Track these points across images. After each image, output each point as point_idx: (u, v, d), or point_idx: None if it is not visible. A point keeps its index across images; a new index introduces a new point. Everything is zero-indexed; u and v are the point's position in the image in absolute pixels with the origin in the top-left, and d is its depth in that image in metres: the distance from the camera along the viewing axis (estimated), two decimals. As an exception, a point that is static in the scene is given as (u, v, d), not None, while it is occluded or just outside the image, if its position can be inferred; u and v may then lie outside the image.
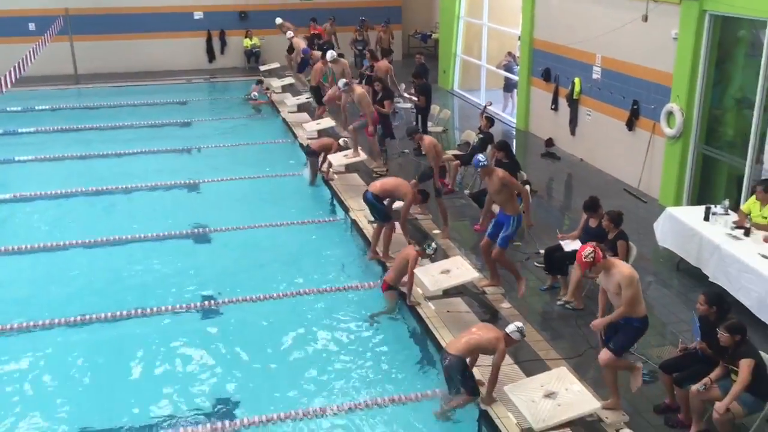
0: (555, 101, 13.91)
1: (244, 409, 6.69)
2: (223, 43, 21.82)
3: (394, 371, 7.26)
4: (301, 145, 14.05)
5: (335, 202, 11.50)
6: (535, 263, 9.02)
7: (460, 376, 6.36)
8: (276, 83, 18.23)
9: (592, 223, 8.03)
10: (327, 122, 14.41)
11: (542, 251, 8.69)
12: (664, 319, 7.86)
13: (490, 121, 11.75)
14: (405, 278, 8.19)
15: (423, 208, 10.53)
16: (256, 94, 17.60)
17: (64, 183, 12.28)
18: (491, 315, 7.87)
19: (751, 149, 9.38)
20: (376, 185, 9.28)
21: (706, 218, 8.48)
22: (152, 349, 7.65)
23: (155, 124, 16.14)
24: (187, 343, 7.76)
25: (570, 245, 8.05)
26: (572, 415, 5.99)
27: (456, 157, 11.65)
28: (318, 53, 16.29)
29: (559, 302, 8.04)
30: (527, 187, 9.81)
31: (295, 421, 6.49)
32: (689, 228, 8.44)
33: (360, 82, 16.74)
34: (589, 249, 6.00)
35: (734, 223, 8.27)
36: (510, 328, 6.37)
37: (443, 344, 7.22)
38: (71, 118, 16.58)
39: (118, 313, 8.19)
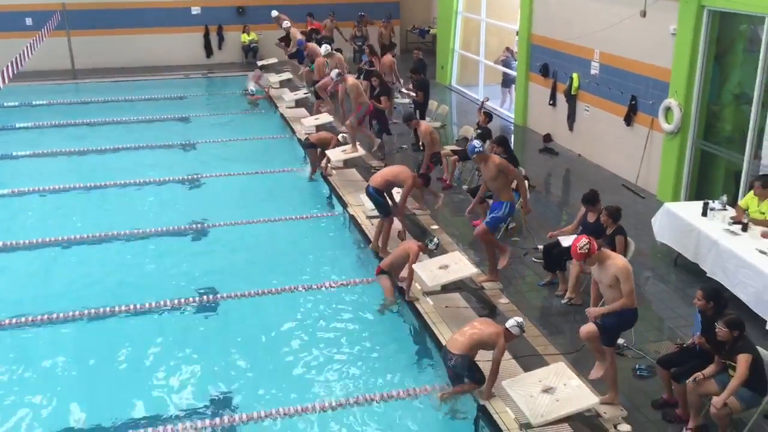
0: (553, 97, 13.91)
1: (242, 405, 6.69)
2: (221, 39, 21.78)
3: (393, 367, 7.26)
4: (299, 140, 14.05)
5: (333, 197, 11.49)
6: (533, 259, 9.04)
7: (467, 372, 6.39)
8: (274, 78, 18.21)
9: (590, 217, 8.04)
10: (325, 117, 14.40)
11: (540, 247, 8.71)
12: (662, 315, 7.88)
13: (489, 116, 11.77)
14: (403, 273, 8.19)
15: (421, 203, 10.55)
16: (252, 89, 17.56)
17: (61, 178, 12.28)
18: (489, 310, 7.87)
19: (749, 145, 9.39)
20: (376, 178, 9.27)
21: (704, 214, 8.49)
22: (149, 344, 7.64)
23: (153, 119, 16.12)
24: (185, 338, 7.75)
25: (568, 241, 8.05)
26: (570, 410, 6.00)
27: (454, 152, 11.65)
28: (313, 45, 16.24)
29: (563, 301, 8.03)
30: (525, 182, 9.81)
31: (293, 417, 6.49)
32: (687, 223, 8.46)
33: (358, 77, 16.78)
34: (584, 240, 6.00)
35: (732, 218, 8.28)
36: (510, 323, 6.38)
37: (442, 339, 7.24)
38: (68, 113, 16.55)
39: (116, 308, 8.19)
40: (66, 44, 19.35)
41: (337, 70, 12.76)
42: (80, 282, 8.93)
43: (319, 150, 12.31)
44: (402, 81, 15.96)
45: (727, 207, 8.60)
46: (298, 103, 16.50)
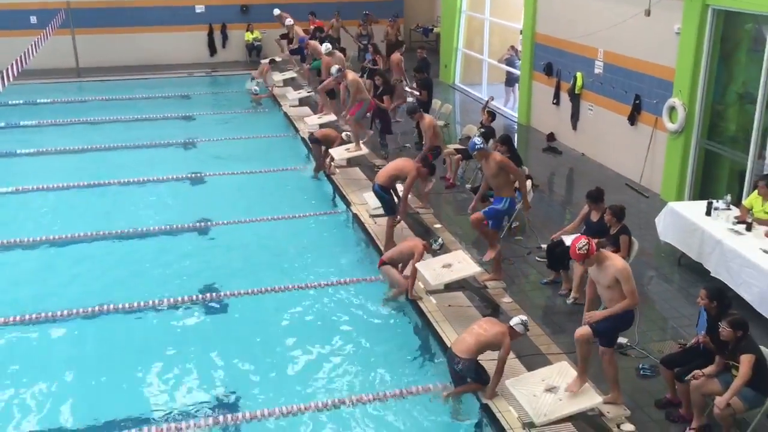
0: (557, 96, 13.89)
1: (245, 403, 6.70)
2: (225, 37, 21.79)
3: (396, 365, 7.26)
4: (302, 139, 14.06)
5: (336, 196, 11.49)
6: (537, 258, 9.03)
7: (474, 375, 6.40)
8: (277, 77, 18.21)
9: (594, 216, 8.03)
10: (329, 117, 14.40)
11: (544, 246, 8.70)
12: (666, 314, 7.87)
13: (492, 115, 11.75)
14: (406, 271, 8.20)
15: (424, 202, 10.55)
16: (256, 88, 17.57)
17: (64, 176, 12.29)
18: (492, 309, 7.87)
19: (753, 144, 9.37)
20: (381, 175, 9.27)
21: (708, 213, 8.47)
22: (150, 342, 7.65)
23: (157, 117, 16.14)
24: (189, 336, 7.77)
25: (571, 239, 8.03)
26: (573, 409, 6.00)
27: (458, 151, 11.65)
28: (314, 43, 16.22)
29: (568, 300, 8.02)
30: (528, 181, 9.80)
31: (296, 416, 6.49)
32: (691, 223, 8.44)
33: (362, 76, 16.77)
34: (583, 241, 5.96)
35: (736, 218, 8.26)
36: (514, 321, 6.38)
37: (445, 338, 7.25)
38: (73, 111, 16.58)
39: (118, 306, 8.20)
40: (70, 42, 19.37)
41: (337, 66, 12.76)
42: (81, 280, 8.94)
43: (323, 148, 12.30)
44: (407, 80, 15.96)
45: (731, 206, 8.59)
46: (302, 102, 16.51)
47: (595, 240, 7.35)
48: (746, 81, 9.88)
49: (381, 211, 10.03)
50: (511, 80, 16.73)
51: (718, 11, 9.83)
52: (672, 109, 10.51)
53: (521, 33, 15.32)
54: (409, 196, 10.17)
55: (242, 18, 21.60)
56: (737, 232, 8.00)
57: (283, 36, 18.84)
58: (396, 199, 9.32)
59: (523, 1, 14.96)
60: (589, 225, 7.98)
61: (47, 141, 14.30)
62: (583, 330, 6.10)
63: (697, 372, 5.84)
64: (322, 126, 13.81)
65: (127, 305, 8.23)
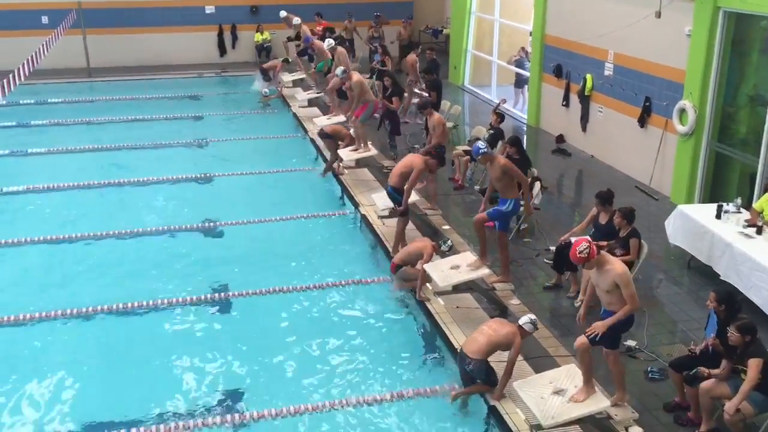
0: (566, 97, 13.86)
1: (252, 402, 6.71)
2: (235, 38, 21.87)
3: (403, 366, 7.26)
4: (311, 140, 14.08)
5: (345, 197, 11.50)
6: (545, 260, 9.00)
7: (484, 376, 6.39)
8: (287, 78, 18.25)
9: (602, 218, 8.00)
10: (338, 118, 14.41)
11: (552, 248, 8.67)
12: (675, 317, 7.83)
13: (501, 117, 11.71)
14: (413, 270, 8.21)
15: (433, 203, 10.53)
16: (266, 90, 17.61)
17: (75, 175, 12.36)
18: (500, 311, 7.85)
19: (764, 147, 9.31)
20: (393, 176, 9.26)
21: (718, 216, 8.43)
22: (161, 340, 7.69)
23: (166, 117, 16.20)
24: (197, 336, 7.80)
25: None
26: (581, 412, 5.98)
27: (466, 152, 11.63)
28: (319, 43, 16.22)
29: (576, 303, 7.98)
30: (537, 183, 9.79)
31: (303, 415, 6.50)
32: (701, 226, 8.40)
33: (371, 77, 16.79)
34: (584, 244, 5.90)
35: (746, 221, 8.22)
36: (523, 320, 6.38)
37: (453, 340, 7.25)
38: (83, 111, 16.67)
39: (129, 305, 8.24)
40: (81, 42, 19.48)
41: (341, 68, 12.77)
42: (88, 279, 8.98)
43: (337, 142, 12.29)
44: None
45: (742, 209, 8.54)
46: (311, 103, 16.53)
47: (604, 243, 7.36)
48: (757, 83, 9.83)
49: (388, 212, 10.06)
50: (520, 82, 16.70)
51: (729, 13, 9.78)
52: (682, 111, 10.47)
53: (531, 34, 15.29)
54: (418, 197, 10.22)
55: (252, 19, 21.67)
56: (747, 236, 7.96)
57: (291, 38, 18.86)
58: (412, 198, 9.31)
59: (533, 3, 14.93)
60: (598, 227, 7.95)
61: (58, 140, 14.38)
62: (582, 339, 6.06)
63: (703, 369, 5.82)
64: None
65: (135, 304, 8.26)
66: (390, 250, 9.24)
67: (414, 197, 9.84)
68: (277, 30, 20.80)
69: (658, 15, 10.62)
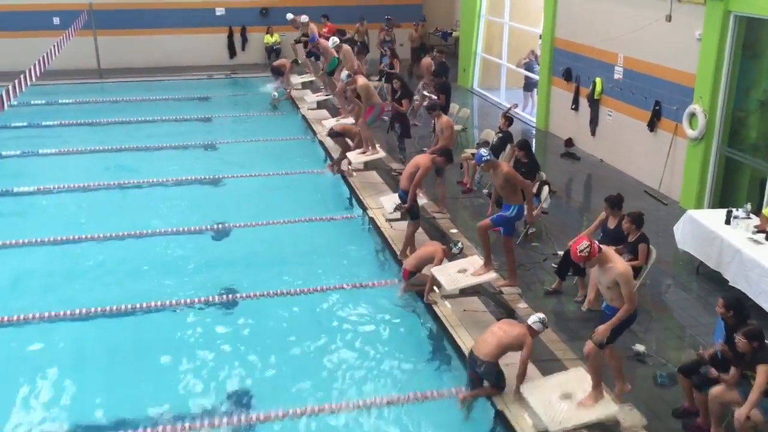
0: (575, 101, 13.83)
1: (260, 404, 6.72)
2: (244, 40, 21.94)
3: (410, 369, 7.26)
4: (320, 142, 14.10)
5: (353, 199, 11.51)
6: (553, 264, 8.97)
7: (494, 378, 6.39)
8: (296, 80, 18.29)
9: (611, 223, 7.98)
10: (346, 120, 14.42)
11: (560, 252, 8.65)
12: (684, 323, 7.79)
13: (509, 120, 11.69)
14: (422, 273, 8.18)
15: (441, 207, 10.53)
16: (275, 94, 17.65)
17: (84, 176, 12.42)
18: (508, 315, 7.83)
19: (774, 152, 9.28)
20: (403, 180, 9.24)
21: (728, 222, 8.39)
22: (169, 342, 7.70)
23: (176, 119, 16.26)
24: (205, 337, 7.81)
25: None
26: (590, 417, 5.96)
27: (474, 156, 11.61)
28: (325, 42, 16.20)
29: (584, 307, 7.96)
30: (546, 187, 9.76)
31: (310, 417, 6.51)
32: (710, 231, 8.36)
33: (380, 79, 16.80)
34: (584, 243, 5.92)
35: (756, 227, 8.18)
36: (532, 319, 6.38)
37: (460, 343, 7.24)
38: (94, 112, 16.76)
39: (137, 306, 8.27)
40: (92, 43, 19.59)
41: (346, 72, 12.78)
42: (96, 279, 9.01)
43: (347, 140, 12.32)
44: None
45: (751, 215, 8.49)
46: (320, 105, 16.55)
47: (612, 248, 7.31)
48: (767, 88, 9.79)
49: (397, 215, 10.04)
50: (529, 85, 16.67)
51: (740, 17, 9.74)
52: (692, 115, 10.43)
53: (540, 38, 15.27)
54: (426, 200, 10.21)
55: (262, 21, 21.74)
56: (757, 242, 7.91)
57: (298, 40, 18.89)
58: (420, 202, 9.31)
59: (542, 6, 14.92)
60: (606, 232, 7.93)
61: (68, 141, 14.45)
62: (590, 345, 6.05)
63: (713, 370, 5.79)
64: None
65: (141, 305, 8.28)
66: (398, 253, 9.24)
67: (422, 200, 9.84)
68: (287, 32, 20.84)
69: (669, 19, 10.59)
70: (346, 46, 15.21)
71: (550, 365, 6.87)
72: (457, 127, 13.80)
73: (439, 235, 9.70)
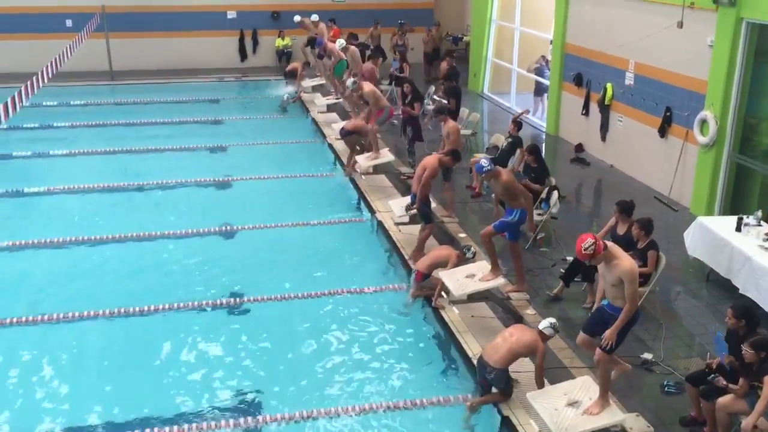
0: (586, 106, 13.79)
1: (267, 406, 6.73)
2: (255, 43, 22.03)
3: (417, 374, 7.25)
4: (330, 145, 14.12)
5: (362, 203, 11.51)
6: (562, 270, 8.93)
7: (503, 385, 6.37)
8: (306, 83, 18.33)
9: (620, 229, 7.94)
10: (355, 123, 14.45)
11: (569, 258, 8.62)
12: (693, 331, 7.74)
13: (519, 125, 11.66)
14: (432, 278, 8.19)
15: (450, 211, 10.51)
16: (286, 96, 17.69)
17: (95, 178, 12.50)
18: (515, 321, 7.80)
19: (786, 159, 9.21)
20: (414, 182, 9.25)
21: (738, 229, 8.34)
22: (177, 344, 7.73)
23: (187, 121, 16.34)
24: (213, 339, 7.83)
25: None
26: (596, 425, 5.93)
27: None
28: (332, 45, 16.21)
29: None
30: (555, 192, 9.73)
31: (317, 420, 6.52)
32: (720, 238, 8.31)
33: (390, 83, 16.82)
34: (589, 240, 5.84)
35: (767, 234, 8.11)
36: (543, 325, 6.35)
37: (467, 349, 7.22)
38: (105, 114, 16.86)
39: (145, 308, 8.29)
40: (104, 46, 19.73)
41: (352, 79, 12.80)
42: (105, 281, 9.06)
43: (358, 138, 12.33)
44: (432, 88, 15.97)
45: (762, 222, 8.43)
46: (330, 108, 16.57)
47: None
48: (780, 95, 9.72)
49: (406, 219, 10.05)
50: (540, 90, 16.64)
51: (752, 24, 9.69)
52: (703, 122, 10.37)
53: (551, 43, 15.24)
54: (434, 205, 10.19)
55: (273, 24, 21.82)
56: (767, 249, 7.85)
57: (308, 42, 18.94)
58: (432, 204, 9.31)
59: (553, 11, 14.89)
60: (615, 238, 7.88)
61: (79, 142, 14.54)
62: (599, 352, 6.01)
63: (720, 378, 5.75)
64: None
65: (150, 307, 8.31)
66: (406, 257, 9.23)
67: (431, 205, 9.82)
68: (298, 36, 20.93)
69: (680, 25, 10.54)
70: (353, 48, 15.23)
71: (557, 373, 6.84)
72: (467, 132, 13.82)
73: (447, 240, 9.69)
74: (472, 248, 8.37)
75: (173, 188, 12.27)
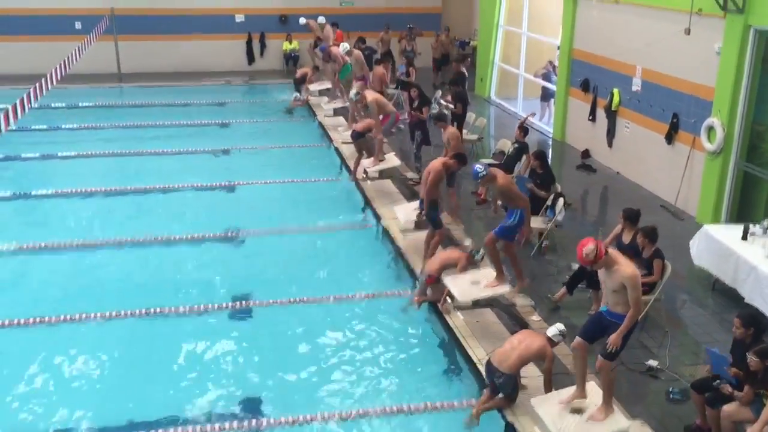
0: (593, 112, 13.78)
1: (270, 410, 6.75)
2: (263, 46, 22.10)
3: (421, 379, 7.25)
4: (336, 149, 14.14)
5: (368, 208, 11.52)
6: (567, 276, 8.92)
7: (510, 390, 6.37)
8: (313, 87, 18.37)
9: (625, 237, 7.93)
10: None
11: (575, 266, 8.60)
12: (698, 339, 7.72)
13: (525, 131, 11.65)
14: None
15: (455, 217, 10.51)
16: (297, 94, 17.73)
17: (102, 180, 12.54)
18: (520, 328, 7.80)
19: (793, 168, 9.19)
20: (422, 187, 9.25)
21: (744, 238, 8.31)
22: (182, 347, 7.75)
23: (194, 124, 16.39)
24: (217, 343, 7.84)
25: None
26: (599, 432, 5.92)
27: (490, 165, 11.58)
28: (336, 49, 16.23)
29: None
30: (561, 199, 9.72)
31: (321, 424, 6.52)
32: (726, 247, 8.28)
33: (396, 88, 16.83)
34: (590, 246, 5.80)
35: (773, 243, 8.09)
36: (551, 331, 6.35)
37: (472, 354, 7.22)
38: (113, 116, 16.93)
39: (149, 311, 8.31)
40: (113, 48, 19.83)
41: (354, 91, 12.82)
42: (113, 284, 9.09)
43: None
44: (439, 93, 15.99)
45: (769, 231, 8.41)
46: (336, 112, 16.60)
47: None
48: (788, 103, 9.69)
49: (411, 225, 10.05)
50: (546, 95, 16.63)
51: (760, 32, 9.67)
52: (710, 129, 10.35)
53: (558, 48, 15.25)
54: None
55: (281, 28, 21.89)
56: (774, 258, 7.83)
57: (315, 45, 18.98)
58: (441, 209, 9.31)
59: (561, 17, 14.90)
60: (621, 246, 7.87)
61: (87, 144, 14.59)
62: (600, 360, 6.00)
63: (727, 387, 5.73)
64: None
65: (155, 310, 8.33)
66: (411, 262, 9.24)
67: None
68: (306, 39, 21.00)
69: (688, 32, 10.53)
70: (357, 52, 15.25)
71: (561, 379, 6.82)
72: (473, 137, 13.83)
73: (453, 246, 9.67)
74: (481, 251, 8.36)
75: (179, 191, 12.30)
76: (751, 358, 5.55)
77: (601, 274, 6.06)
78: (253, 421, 6.55)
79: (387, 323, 8.25)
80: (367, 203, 11.55)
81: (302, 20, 19.27)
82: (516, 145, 11.47)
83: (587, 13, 13.96)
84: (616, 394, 6.43)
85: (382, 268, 9.65)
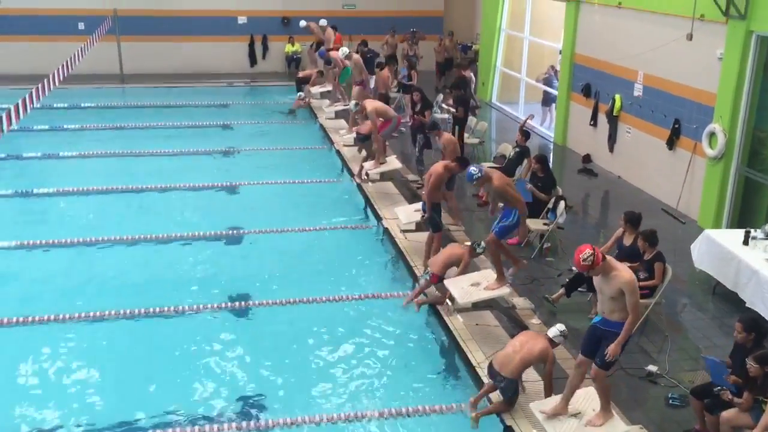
0: (594, 117, 13.78)
1: (269, 411, 6.73)
2: (265, 48, 22.12)
3: (420, 382, 7.23)
4: (337, 151, 14.15)
5: (368, 209, 11.53)
6: (567, 279, 8.91)
7: (510, 394, 6.36)
8: (315, 89, 18.38)
9: (627, 240, 7.93)
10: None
11: (575, 269, 8.58)
12: (698, 344, 7.70)
13: (526, 135, 11.66)
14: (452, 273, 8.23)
15: (456, 219, 10.51)
16: (302, 94, 17.74)
17: (103, 180, 12.55)
18: (520, 330, 7.78)
19: (795, 174, 9.18)
20: (424, 189, 9.26)
21: (746, 242, 8.31)
22: (181, 346, 7.74)
23: (196, 125, 16.41)
24: (216, 343, 7.83)
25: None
26: (598, 436, 5.91)
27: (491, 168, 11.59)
28: (336, 54, 16.22)
29: None
30: (562, 202, 9.72)
31: (319, 425, 6.51)
32: (727, 251, 8.28)
33: (398, 91, 16.84)
34: (587, 251, 5.70)
35: (774, 248, 8.09)
36: (552, 333, 6.33)
37: (471, 357, 7.21)
38: (115, 116, 16.95)
39: (150, 310, 8.31)
40: (116, 49, 19.86)
41: (354, 101, 12.84)
42: (114, 283, 9.09)
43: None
44: (441, 96, 16.00)
45: (770, 236, 8.40)
46: (338, 115, 16.61)
47: (627, 265, 7.25)
48: (789, 109, 9.69)
49: (412, 226, 10.06)
50: (548, 100, 16.64)
51: (762, 37, 9.68)
52: (712, 134, 10.35)
53: (560, 53, 15.25)
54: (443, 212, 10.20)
55: (283, 30, 21.92)
56: (775, 263, 7.83)
57: (316, 47, 18.98)
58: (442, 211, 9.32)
59: (563, 21, 14.91)
60: (621, 249, 7.88)
61: (89, 144, 14.61)
62: (595, 369, 5.96)
63: (725, 392, 5.72)
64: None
65: (156, 309, 8.33)
66: (412, 264, 9.24)
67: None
68: (308, 41, 21.03)
69: (690, 37, 10.54)
70: (356, 56, 15.26)
71: (561, 383, 6.80)
72: (474, 141, 13.83)
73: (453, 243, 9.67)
74: (483, 243, 8.35)
75: (181, 191, 12.30)
76: (751, 365, 5.54)
77: (598, 281, 5.94)
78: (251, 422, 6.53)
79: (387, 324, 8.24)
80: (368, 204, 11.55)
81: (303, 23, 19.30)
82: (517, 149, 11.48)
83: (589, 17, 13.98)
84: (615, 399, 6.43)
85: (383, 269, 9.65)
